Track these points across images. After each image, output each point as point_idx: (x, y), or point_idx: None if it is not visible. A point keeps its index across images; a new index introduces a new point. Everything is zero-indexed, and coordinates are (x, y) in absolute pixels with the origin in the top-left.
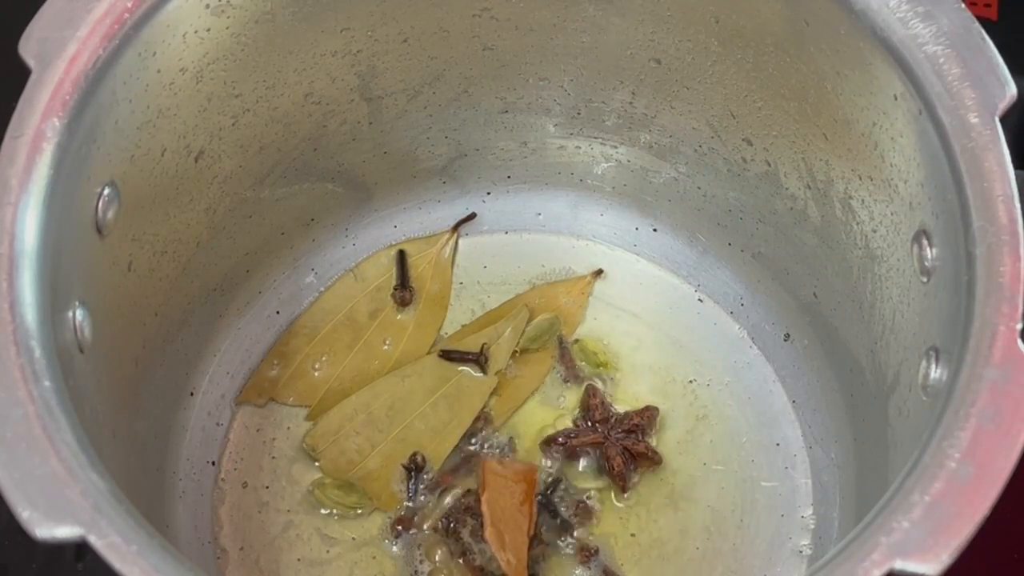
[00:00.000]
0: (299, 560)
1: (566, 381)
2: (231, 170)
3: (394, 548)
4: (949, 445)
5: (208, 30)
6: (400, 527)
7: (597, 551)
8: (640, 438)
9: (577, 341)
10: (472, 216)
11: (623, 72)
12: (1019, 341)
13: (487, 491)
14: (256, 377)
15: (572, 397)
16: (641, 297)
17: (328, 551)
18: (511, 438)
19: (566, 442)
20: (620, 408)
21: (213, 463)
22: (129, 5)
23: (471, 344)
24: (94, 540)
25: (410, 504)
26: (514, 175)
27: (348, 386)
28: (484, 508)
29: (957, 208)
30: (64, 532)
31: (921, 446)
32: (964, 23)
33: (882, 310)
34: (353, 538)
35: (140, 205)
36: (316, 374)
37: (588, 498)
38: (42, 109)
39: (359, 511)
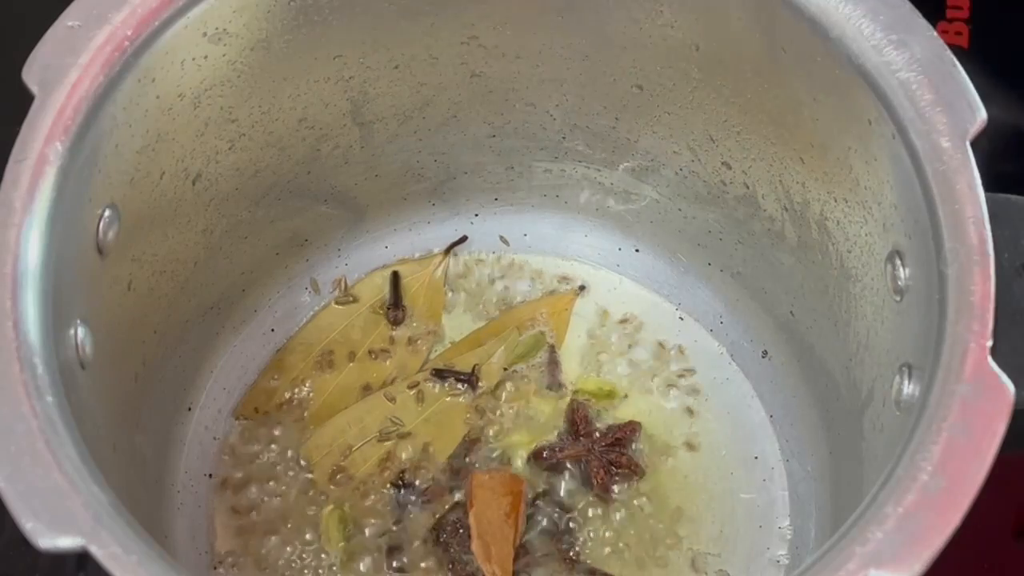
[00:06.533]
0: (292, 570)
1: (549, 388)
2: (228, 192)
3: (383, 560)
4: (922, 459)
5: (205, 57)
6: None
7: (580, 560)
8: (623, 451)
9: (578, 391)
10: (463, 239)
11: (607, 98)
12: (989, 358)
13: (475, 505)
14: (252, 392)
15: (558, 411)
16: (624, 315)
17: (322, 559)
18: (500, 452)
19: (552, 455)
20: (603, 423)
21: (210, 475)
22: (129, 33)
23: (462, 363)
24: (95, 550)
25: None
26: (501, 197)
27: (342, 401)
28: (471, 521)
29: (929, 229)
30: (66, 543)
31: (894, 459)
32: (936, 50)
33: (857, 328)
34: (344, 549)
35: (140, 226)
36: (311, 389)
37: (573, 509)
38: (45, 134)
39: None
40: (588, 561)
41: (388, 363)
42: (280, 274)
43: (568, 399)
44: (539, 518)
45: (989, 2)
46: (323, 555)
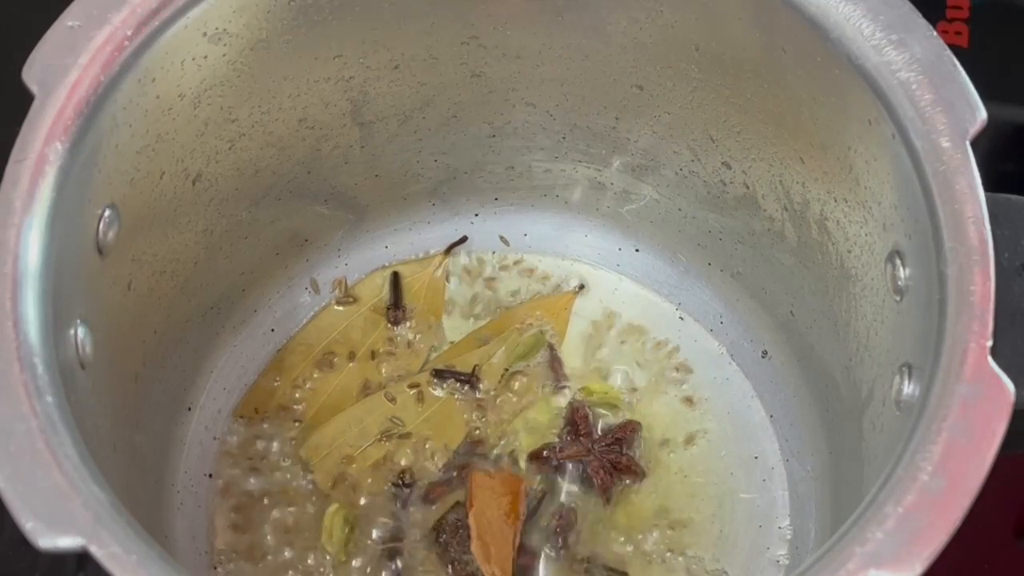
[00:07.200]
0: (292, 569)
1: (552, 385)
2: (228, 192)
3: (384, 560)
4: (922, 459)
5: (205, 57)
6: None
7: (580, 560)
8: (623, 451)
9: (583, 388)
10: (464, 239)
11: (607, 98)
12: (989, 358)
13: (475, 505)
14: (253, 392)
15: (559, 411)
16: (624, 315)
17: (324, 559)
18: (500, 452)
19: (552, 455)
20: (604, 422)
21: (210, 475)
22: (129, 33)
23: (463, 363)
24: (95, 550)
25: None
26: (501, 197)
27: (342, 401)
28: (471, 522)
29: (929, 229)
30: (66, 543)
31: (894, 459)
32: (936, 50)
33: (856, 328)
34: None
35: (140, 226)
36: (311, 389)
37: (573, 510)
38: (45, 134)
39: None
40: (589, 562)
41: (388, 363)
42: (280, 274)
43: (568, 399)
44: (539, 518)
45: (989, 2)
46: (324, 555)
